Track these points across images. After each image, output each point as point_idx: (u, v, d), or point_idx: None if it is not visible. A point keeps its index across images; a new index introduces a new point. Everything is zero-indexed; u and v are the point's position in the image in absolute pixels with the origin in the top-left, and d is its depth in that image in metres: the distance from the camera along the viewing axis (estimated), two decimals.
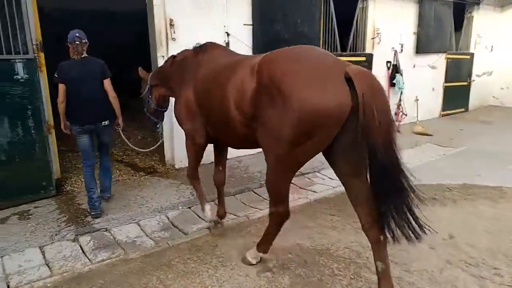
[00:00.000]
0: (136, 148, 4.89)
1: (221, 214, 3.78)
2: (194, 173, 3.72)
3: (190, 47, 4.64)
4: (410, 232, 2.29)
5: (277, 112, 2.37)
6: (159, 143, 4.79)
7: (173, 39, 5.16)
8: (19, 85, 4.07)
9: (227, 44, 5.62)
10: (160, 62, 5.20)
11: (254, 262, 3.09)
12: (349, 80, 2.22)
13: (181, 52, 3.87)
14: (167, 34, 5.16)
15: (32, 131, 4.22)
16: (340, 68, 2.27)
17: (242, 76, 2.68)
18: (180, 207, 4.29)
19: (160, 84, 3.98)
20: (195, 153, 3.61)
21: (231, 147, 3.42)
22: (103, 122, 3.92)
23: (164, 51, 5.22)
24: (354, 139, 2.28)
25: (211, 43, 3.65)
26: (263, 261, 3.15)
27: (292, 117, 2.29)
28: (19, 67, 4.05)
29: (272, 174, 2.61)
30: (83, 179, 4.74)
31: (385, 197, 2.26)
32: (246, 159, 6.00)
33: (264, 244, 3.02)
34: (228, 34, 5.63)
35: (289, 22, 6.23)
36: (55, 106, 4.59)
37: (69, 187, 4.73)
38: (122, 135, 4.45)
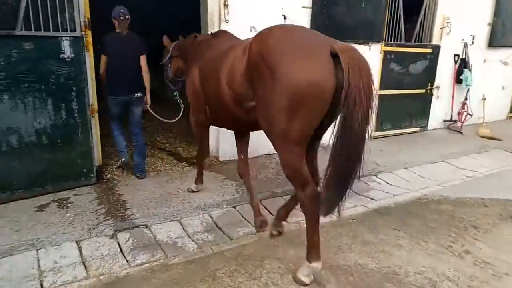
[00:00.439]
0: (162, 119, 4.69)
1: (254, 204, 3.63)
2: (202, 148, 4.10)
3: (243, 30, 4.43)
4: (337, 207, 2.48)
5: (267, 87, 2.46)
6: (180, 113, 4.64)
7: (226, 20, 4.75)
8: (64, 65, 3.82)
9: None
10: None
11: (307, 281, 2.68)
12: (335, 56, 2.30)
13: (203, 35, 4.24)
14: (220, 15, 4.75)
15: (76, 115, 3.98)
16: (326, 44, 2.36)
17: (235, 56, 2.86)
18: (225, 206, 3.94)
19: (179, 56, 4.30)
20: (198, 131, 3.96)
21: (227, 128, 3.65)
22: (135, 94, 4.28)
23: None
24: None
25: (223, 30, 3.95)
26: (319, 279, 2.74)
27: (280, 91, 2.38)
28: (66, 45, 3.80)
29: (281, 153, 2.60)
30: (123, 167, 4.53)
31: (337, 169, 2.39)
32: None
33: (313, 250, 2.66)
34: (284, 17, 5.14)
35: (353, 5, 5.63)
36: (99, 88, 4.37)
37: (109, 174, 4.50)
38: (149, 110, 4.48)
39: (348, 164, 2.37)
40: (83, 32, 3.92)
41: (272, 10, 5.06)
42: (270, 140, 2.66)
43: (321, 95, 2.34)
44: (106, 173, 4.52)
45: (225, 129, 3.76)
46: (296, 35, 2.54)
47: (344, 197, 2.48)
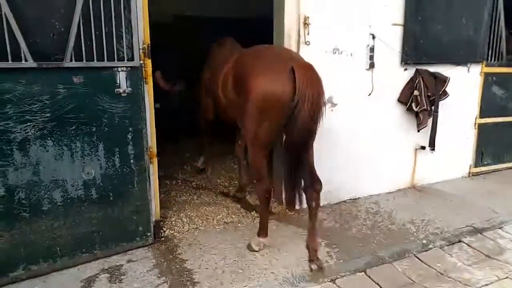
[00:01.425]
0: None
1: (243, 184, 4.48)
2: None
3: (326, 52, 4.06)
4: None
5: (243, 97, 3.06)
6: None
7: (307, 42, 3.92)
8: (120, 101, 3.11)
9: (371, 49, 4.25)
10: None
11: (257, 249, 3.36)
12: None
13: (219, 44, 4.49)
14: (299, 36, 3.94)
15: (132, 161, 3.24)
16: (288, 62, 2.93)
17: (227, 68, 3.47)
18: (320, 279, 3.00)
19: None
20: (204, 125, 4.83)
21: (226, 122, 3.93)
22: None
23: None
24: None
25: (227, 38, 4.44)
26: None
27: (251, 101, 2.98)
28: (121, 77, 3.10)
29: (251, 151, 3.17)
30: (184, 219, 3.74)
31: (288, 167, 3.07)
32: (383, 200, 4.56)
33: (262, 229, 3.38)
34: (373, 37, 4.26)
35: (452, 21, 4.67)
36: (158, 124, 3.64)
37: (168, 230, 3.69)
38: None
39: (297, 153, 2.98)
40: (141, 61, 3.21)
41: (359, 28, 4.20)
42: (246, 142, 3.29)
43: (281, 106, 2.87)
44: (164, 229, 3.71)
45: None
46: (265, 55, 3.20)
47: (298, 190, 3.10)
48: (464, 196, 4.70)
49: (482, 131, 5.31)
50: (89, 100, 3.00)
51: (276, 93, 2.86)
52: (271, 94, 2.87)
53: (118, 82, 3.10)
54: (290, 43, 3.97)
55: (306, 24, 3.90)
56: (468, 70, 5.01)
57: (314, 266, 3.04)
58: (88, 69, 2.96)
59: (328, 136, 4.23)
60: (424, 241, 3.60)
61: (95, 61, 2.96)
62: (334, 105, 4.23)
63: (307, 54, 3.96)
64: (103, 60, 3.00)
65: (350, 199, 4.52)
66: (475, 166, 5.40)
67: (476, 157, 5.39)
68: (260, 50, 3.30)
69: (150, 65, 3.33)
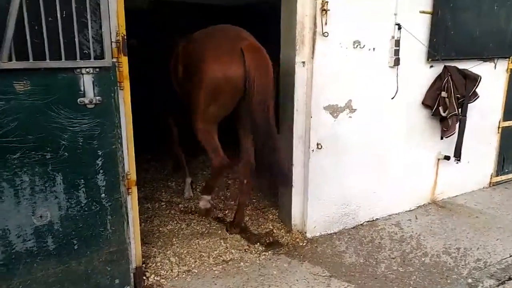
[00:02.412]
0: None
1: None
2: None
3: (346, 45, 3.31)
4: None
5: (195, 80, 3.03)
6: None
7: (325, 34, 3.13)
8: (84, 115, 2.24)
9: (397, 42, 3.51)
10: (299, 70, 3.23)
11: (207, 206, 3.51)
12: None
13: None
14: (314, 26, 3.14)
15: (102, 195, 2.39)
16: (238, 44, 2.91)
17: (175, 54, 3.48)
18: None
19: None
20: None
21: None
22: None
23: (307, 53, 3.22)
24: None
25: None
26: None
27: (203, 85, 2.96)
28: (87, 82, 2.22)
29: (199, 126, 3.12)
30: (172, 258, 2.95)
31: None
32: (405, 220, 3.90)
33: (207, 189, 3.53)
34: (399, 27, 3.51)
35: (486, 10, 4.00)
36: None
37: (152, 276, 2.87)
38: None
39: (260, 140, 3.02)
40: (115, 60, 2.34)
41: (383, 17, 3.44)
42: (191, 118, 3.15)
43: (231, 88, 2.93)
44: (148, 274, 2.89)
45: (315, 191, 3.47)
46: (216, 36, 3.14)
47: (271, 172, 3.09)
48: (493, 213, 4.11)
49: (505, 135, 4.73)
50: (40, 115, 2.12)
51: (227, 78, 2.89)
52: (224, 79, 2.89)
53: (82, 89, 2.22)
54: (303, 33, 3.17)
55: (324, 10, 3.10)
56: (495, 66, 4.37)
57: (233, 230, 3.46)
58: (37, 71, 2.07)
59: (344, 148, 3.51)
60: (470, 280, 2.96)
61: (47, 60, 2.07)
62: (353, 110, 3.49)
63: (324, 49, 3.20)
64: (59, 59, 2.11)
65: (368, 221, 3.83)
66: (496, 175, 4.83)
67: (498, 165, 4.81)
68: (208, 32, 3.21)
69: (127, 64, 2.45)
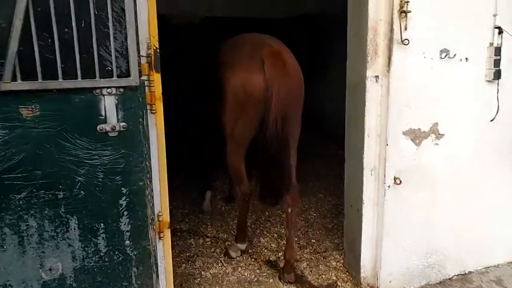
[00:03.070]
0: None
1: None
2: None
3: (431, 55, 2.65)
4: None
5: (221, 91, 2.74)
6: None
7: (404, 41, 2.51)
8: (105, 145, 1.84)
9: (497, 50, 2.77)
10: (371, 86, 2.63)
11: (234, 256, 3.12)
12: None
13: None
14: (391, 32, 2.54)
15: (126, 242, 1.95)
16: (259, 51, 2.57)
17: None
18: None
19: None
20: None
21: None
22: None
23: (382, 65, 2.61)
24: None
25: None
26: None
27: (225, 96, 2.69)
28: (109, 104, 1.82)
29: (228, 150, 2.83)
30: None
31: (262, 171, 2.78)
32: (507, 275, 3.04)
33: (239, 233, 3.14)
34: (500, 31, 2.77)
35: None
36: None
37: None
38: None
39: (271, 165, 2.65)
40: (145, 77, 1.92)
41: (478, 19, 2.74)
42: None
43: (254, 100, 2.56)
44: None
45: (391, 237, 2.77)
46: (241, 44, 2.83)
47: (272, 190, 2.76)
48: None
49: None
50: (52, 146, 1.74)
51: (246, 86, 2.58)
52: (243, 87, 2.60)
53: (103, 114, 1.82)
54: (376, 41, 2.57)
55: (403, 13, 2.49)
56: None
57: (286, 277, 2.86)
58: (47, 93, 1.70)
59: (428, 183, 2.81)
60: None
61: (59, 80, 1.70)
62: (439, 136, 2.78)
63: (402, 60, 2.58)
64: (75, 78, 1.73)
65: (459, 274, 3.04)
66: None
67: None
68: (235, 40, 2.98)
69: (160, 82, 2.03)
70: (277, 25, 5.70)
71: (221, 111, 2.78)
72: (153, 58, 1.99)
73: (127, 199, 1.92)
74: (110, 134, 1.84)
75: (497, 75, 2.80)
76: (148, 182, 1.98)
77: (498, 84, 2.84)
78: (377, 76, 2.62)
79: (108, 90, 1.80)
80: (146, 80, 1.97)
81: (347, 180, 2.97)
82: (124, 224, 1.93)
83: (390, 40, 2.55)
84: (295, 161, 2.81)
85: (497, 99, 2.86)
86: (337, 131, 5.90)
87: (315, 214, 3.83)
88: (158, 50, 1.99)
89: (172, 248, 3.11)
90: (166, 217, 2.14)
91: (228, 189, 4.10)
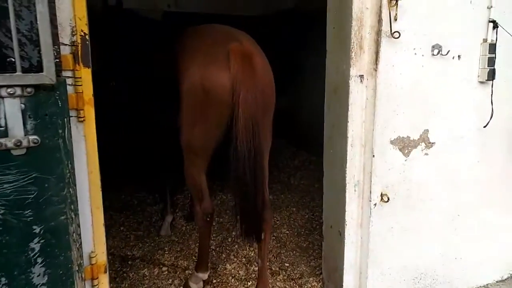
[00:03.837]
0: None
1: None
2: None
3: (422, 51, 2.30)
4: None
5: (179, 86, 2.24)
6: None
7: (394, 34, 2.13)
8: (7, 168, 1.31)
9: (492, 47, 2.46)
10: (356, 87, 2.24)
11: (200, 286, 2.58)
12: None
13: None
14: (379, 23, 2.16)
15: None
16: (225, 46, 2.12)
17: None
18: None
19: None
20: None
21: None
22: None
23: (367, 63, 2.22)
24: None
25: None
26: None
27: (182, 96, 2.20)
28: (10, 110, 1.30)
29: (185, 162, 2.38)
30: None
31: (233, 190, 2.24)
32: None
33: (200, 260, 2.60)
34: (495, 25, 2.46)
35: None
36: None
37: None
38: None
39: (240, 181, 2.09)
40: (69, 73, 1.41)
41: (470, 11, 2.41)
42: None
43: (214, 100, 2.12)
44: None
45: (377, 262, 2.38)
46: (202, 31, 2.44)
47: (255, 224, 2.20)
48: None
49: None
50: None
51: (206, 82, 2.12)
52: (201, 83, 2.14)
53: (3, 124, 1.29)
54: (361, 34, 2.18)
55: (393, 0, 2.11)
56: None
57: None
58: None
59: (417, 199, 2.46)
60: None
61: None
62: (429, 145, 2.44)
63: (392, 56, 2.21)
64: None
65: (499, 281, 2.73)
66: None
67: None
68: (196, 28, 2.53)
69: (90, 81, 1.52)
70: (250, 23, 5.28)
71: (176, 113, 2.28)
72: (80, 47, 1.48)
73: (42, 241, 1.40)
74: (14, 152, 1.32)
75: (492, 75, 2.49)
76: (73, 216, 1.46)
77: (492, 85, 2.53)
78: (362, 76, 2.23)
79: (9, 90, 1.28)
80: (70, 77, 1.46)
81: (326, 196, 2.56)
82: (38, 276, 1.40)
83: (378, 33, 2.17)
84: (267, 176, 2.38)
85: (491, 102, 2.55)
86: (308, 136, 5.58)
87: (288, 232, 3.39)
88: (87, 36, 1.48)
89: (122, 282, 2.59)
90: (101, 258, 1.63)
91: (189, 205, 3.59)
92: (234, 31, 2.35)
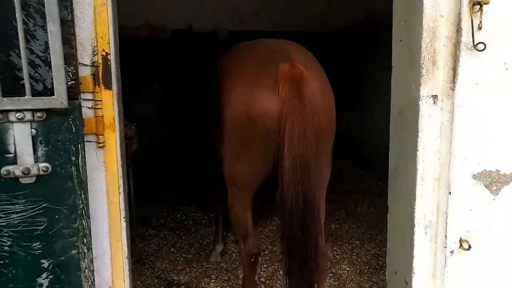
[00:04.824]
0: None
1: None
2: None
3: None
4: None
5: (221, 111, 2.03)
6: None
7: (477, 46, 1.73)
8: (15, 197, 1.22)
9: None
10: (427, 110, 1.87)
11: None
12: None
13: None
14: (457, 33, 1.77)
15: None
16: (274, 66, 1.86)
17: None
18: None
19: None
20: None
21: None
22: None
23: (443, 81, 1.84)
24: None
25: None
26: None
27: (224, 118, 1.99)
28: (20, 136, 1.21)
29: (229, 197, 2.17)
30: None
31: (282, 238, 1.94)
32: None
33: None
34: None
35: None
36: None
37: None
38: None
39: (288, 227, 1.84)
40: (89, 95, 1.31)
41: None
42: None
43: (262, 132, 1.87)
44: None
45: None
46: (248, 49, 2.22)
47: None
48: None
49: None
50: None
51: (251, 109, 1.86)
52: (246, 110, 1.87)
53: (12, 150, 1.21)
54: (434, 47, 1.81)
55: (477, 4, 1.72)
56: None
57: None
58: None
59: (509, 245, 1.95)
60: None
61: None
62: (500, 184, 1.94)
63: (474, 73, 1.81)
64: None
65: None
66: None
67: None
68: (241, 45, 2.31)
69: (113, 104, 1.40)
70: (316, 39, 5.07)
71: (218, 141, 2.10)
72: (101, 68, 1.37)
73: (51, 276, 1.29)
74: (23, 181, 1.23)
75: None
76: (85, 250, 1.33)
77: None
78: (435, 96, 1.85)
79: (18, 115, 1.19)
80: (90, 99, 1.35)
81: (390, 236, 2.18)
82: None
83: (456, 45, 1.78)
84: (323, 217, 2.08)
85: None
86: (372, 159, 5.12)
87: (348, 269, 3.01)
88: (109, 56, 1.37)
89: None
90: None
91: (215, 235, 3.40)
92: (285, 46, 2.06)
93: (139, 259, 3.07)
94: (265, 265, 3.02)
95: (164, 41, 5.23)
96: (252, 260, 2.21)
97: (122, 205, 1.50)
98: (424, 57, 1.82)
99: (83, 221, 1.32)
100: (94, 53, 1.36)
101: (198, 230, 3.63)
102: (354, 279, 2.91)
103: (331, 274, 2.93)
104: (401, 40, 2.00)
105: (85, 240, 1.33)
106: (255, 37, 2.51)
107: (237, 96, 1.93)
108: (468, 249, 1.89)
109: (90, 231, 1.35)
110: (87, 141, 1.38)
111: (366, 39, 5.09)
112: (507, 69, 1.85)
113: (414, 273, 1.96)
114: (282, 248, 1.96)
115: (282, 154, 1.78)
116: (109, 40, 1.39)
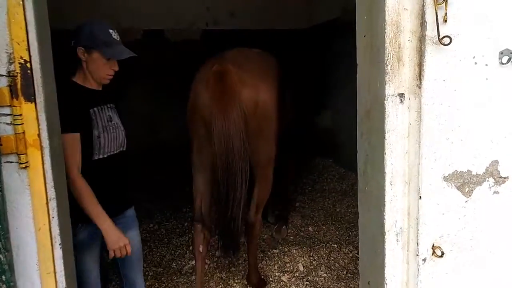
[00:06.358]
0: None
1: None
2: None
3: (486, 63, 1.72)
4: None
5: None
6: None
7: (443, 40, 1.62)
8: None
9: None
10: (394, 109, 1.75)
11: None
12: None
13: None
14: (422, 27, 1.66)
15: None
16: (212, 67, 2.39)
17: None
18: None
19: None
20: None
21: None
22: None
23: (409, 78, 1.72)
24: None
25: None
26: None
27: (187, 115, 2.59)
28: None
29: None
30: None
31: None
32: None
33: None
34: None
35: None
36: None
37: None
38: None
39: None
40: (4, 110, 1.14)
41: None
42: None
43: (196, 116, 2.46)
44: None
45: None
46: (208, 61, 2.60)
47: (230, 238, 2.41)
48: None
49: None
50: None
51: (192, 106, 2.49)
52: (191, 108, 2.52)
53: None
54: (399, 42, 1.69)
55: None
56: None
57: None
58: None
59: (485, 253, 1.87)
60: None
61: None
62: (501, 180, 1.85)
63: (441, 68, 1.70)
64: None
65: None
66: None
67: None
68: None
69: (36, 117, 1.24)
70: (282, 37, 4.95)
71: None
72: (19, 77, 1.20)
73: None
74: None
75: None
76: None
77: None
78: (402, 94, 1.73)
79: None
80: (7, 114, 1.18)
81: (362, 245, 2.07)
82: None
83: (421, 40, 1.67)
84: (267, 190, 2.70)
85: None
86: (354, 157, 5.00)
87: (325, 275, 2.90)
88: (28, 64, 1.20)
89: None
90: None
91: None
92: (232, 52, 2.60)
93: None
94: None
95: (135, 42, 5.08)
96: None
97: (57, 231, 1.34)
98: (389, 53, 1.70)
99: (0, 256, 1.15)
100: (11, 61, 1.19)
101: (171, 241, 3.47)
102: (331, 286, 2.80)
103: (307, 283, 2.81)
104: (364, 36, 1.88)
105: (3, 277, 1.16)
106: (230, 37, 3.07)
107: (191, 92, 2.50)
108: (441, 256, 1.79)
109: (11, 266, 1.18)
110: (6, 162, 1.21)
111: (343, 36, 4.98)
112: (476, 63, 1.74)
113: (386, 283, 1.85)
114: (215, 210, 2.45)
115: (211, 133, 2.24)
116: (28, 45, 1.22)
